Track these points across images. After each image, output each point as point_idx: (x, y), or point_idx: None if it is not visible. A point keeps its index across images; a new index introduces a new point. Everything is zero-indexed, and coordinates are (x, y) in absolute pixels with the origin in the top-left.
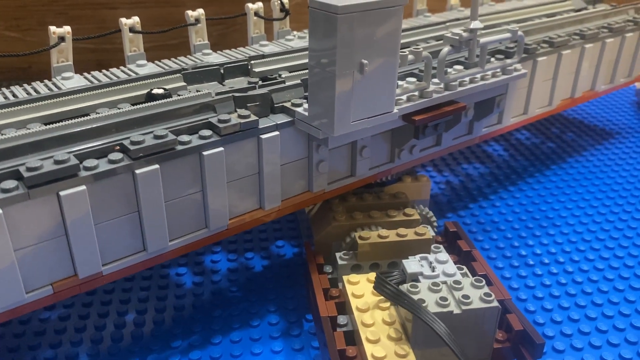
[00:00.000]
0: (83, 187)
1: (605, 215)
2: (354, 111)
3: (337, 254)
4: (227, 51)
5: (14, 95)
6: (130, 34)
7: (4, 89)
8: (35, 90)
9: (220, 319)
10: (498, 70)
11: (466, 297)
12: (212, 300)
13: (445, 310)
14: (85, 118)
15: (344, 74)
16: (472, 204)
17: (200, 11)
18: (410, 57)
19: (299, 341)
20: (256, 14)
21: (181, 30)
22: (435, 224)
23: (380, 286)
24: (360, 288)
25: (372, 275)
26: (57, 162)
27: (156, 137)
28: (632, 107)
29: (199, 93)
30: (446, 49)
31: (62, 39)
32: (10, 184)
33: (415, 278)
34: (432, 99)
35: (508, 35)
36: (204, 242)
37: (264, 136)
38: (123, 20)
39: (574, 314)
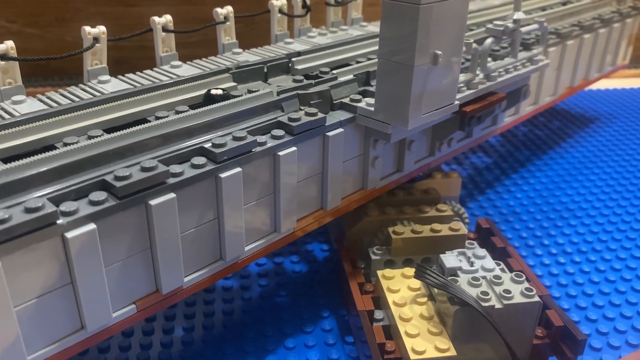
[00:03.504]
0: (172, 195)
1: (635, 215)
2: (425, 103)
3: (370, 249)
4: (255, 49)
5: (55, 102)
6: (163, 34)
7: (39, 95)
8: (76, 96)
9: (251, 314)
10: (525, 60)
11: (507, 291)
12: (243, 297)
13: (486, 304)
14: (155, 122)
15: (420, 65)
16: (499, 202)
17: (229, 9)
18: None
19: (332, 336)
20: (280, 11)
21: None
22: (467, 220)
23: (422, 275)
24: (395, 283)
25: (408, 271)
26: (144, 170)
27: (236, 138)
28: (599, 98)
29: (262, 92)
30: (490, 40)
31: (96, 39)
32: (99, 195)
33: (454, 273)
34: (478, 90)
35: (536, 26)
36: (276, 245)
37: (330, 133)
38: (156, 19)
39: (609, 312)
